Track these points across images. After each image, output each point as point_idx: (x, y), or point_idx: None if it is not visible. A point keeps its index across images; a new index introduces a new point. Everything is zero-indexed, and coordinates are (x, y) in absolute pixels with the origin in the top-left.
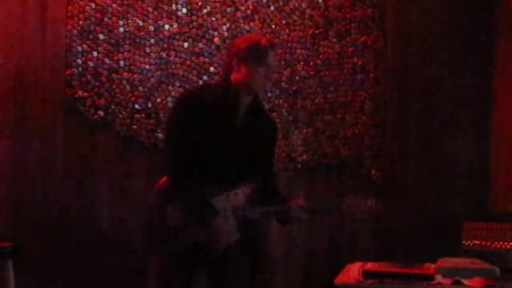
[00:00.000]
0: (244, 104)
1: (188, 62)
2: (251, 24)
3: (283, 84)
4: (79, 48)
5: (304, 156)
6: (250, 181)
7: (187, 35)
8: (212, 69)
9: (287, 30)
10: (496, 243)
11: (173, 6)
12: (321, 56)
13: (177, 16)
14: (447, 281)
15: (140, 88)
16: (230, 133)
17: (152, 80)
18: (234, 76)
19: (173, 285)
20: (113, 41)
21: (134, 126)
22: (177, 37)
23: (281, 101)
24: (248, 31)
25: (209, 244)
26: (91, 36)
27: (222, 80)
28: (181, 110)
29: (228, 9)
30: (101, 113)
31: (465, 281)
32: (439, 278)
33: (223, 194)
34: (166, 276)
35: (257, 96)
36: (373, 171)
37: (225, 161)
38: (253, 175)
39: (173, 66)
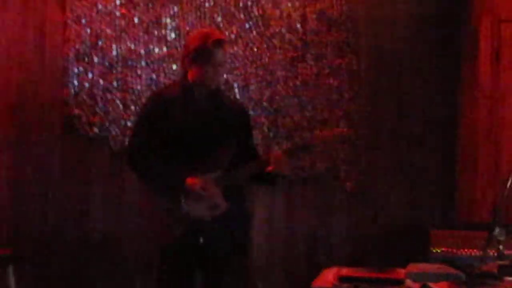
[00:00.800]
0: (203, 97)
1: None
2: (235, 47)
3: (264, 104)
4: (75, 70)
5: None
6: (219, 152)
7: (175, 57)
8: None
9: (268, 53)
10: (461, 250)
11: (162, 31)
12: (299, 77)
13: (166, 40)
14: (416, 285)
15: (132, 107)
16: (189, 123)
17: (143, 99)
18: (189, 74)
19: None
20: (106, 63)
21: (127, 143)
22: (166, 59)
23: (262, 118)
24: (232, 54)
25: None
26: (86, 59)
27: (180, 78)
28: (144, 108)
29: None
30: (96, 129)
31: (433, 285)
32: (409, 282)
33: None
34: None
35: (217, 88)
36: (347, 183)
37: (193, 143)
38: (226, 155)
39: (176, 84)
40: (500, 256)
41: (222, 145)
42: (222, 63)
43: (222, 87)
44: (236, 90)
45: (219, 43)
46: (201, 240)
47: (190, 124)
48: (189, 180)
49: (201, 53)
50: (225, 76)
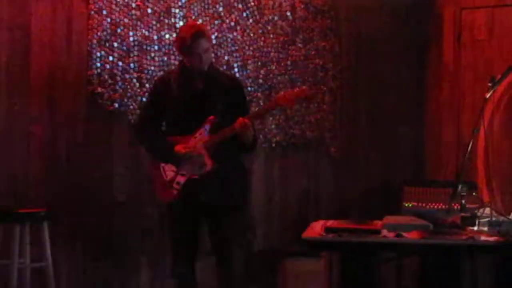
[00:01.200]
0: (198, 75)
1: None
2: (234, 33)
3: (260, 81)
4: (98, 54)
5: (277, 137)
6: (206, 120)
7: None
8: None
9: (262, 38)
10: (429, 204)
11: (172, 20)
12: (290, 58)
13: (175, 28)
14: (391, 234)
15: (147, 85)
16: (185, 98)
17: (157, 78)
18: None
19: (180, 236)
20: (125, 48)
21: (137, 112)
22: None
23: (259, 94)
24: (231, 39)
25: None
26: (107, 44)
27: (180, 61)
28: (149, 89)
29: (216, 21)
30: (116, 105)
31: (405, 234)
32: (385, 232)
33: (186, 138)
34: (173, 230)
35: (211, 67)
36: (332, 149)
37: (188, 116)
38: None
39: (173, 67)
40: (463, 209)
41: (213, 114)
42: (204, 50)
43: (221, 67)
44: (236, 69)
45: (196, 36)
46: (202, 197)
47: (185, 98)
48: (176, 147)
49: (184, 48)
50: (226, 57)
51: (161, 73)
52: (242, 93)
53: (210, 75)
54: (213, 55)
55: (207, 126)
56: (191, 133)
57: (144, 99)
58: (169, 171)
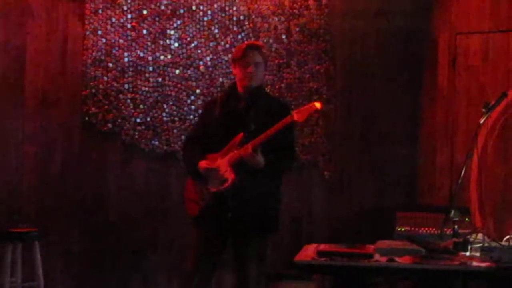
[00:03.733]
0: (244, 93)
1: (179, 86)
2: (229, 55)
3: None
4: (93, 74)
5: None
6: (235, 137)
7: (178, 64)
8: (198, 91)
9: None
10: (422, 229)
11: (167, 41)
12: (284, 81)
13: (170, 49)
14: (383, 258)
15: (141, 106)
16: (230, 115)
17: (151, 99)
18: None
19: (197, 254)
20: (119, 68)
21: (136, 136)
22: (170, 65)
23: None
24: (226, 61)
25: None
26: (102, 65)
27: (231, 84)
28: (202, 109)
29: (211, 44)
30: (110, 125)
31: (398, 259)
32: (377, 256)
33: (217, 155)
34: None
35: (258, 89)
36: (325, 172)
37: (226, 134)
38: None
39: (167, 89)
40: (455, 234)
41: (248, 133)
42: (255, 63)
43: (215, 88)
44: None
45: (251, 46)
46: (229, 214)
47: (226, 117)
48: (200, 163)
49: (236, 58)
50: (220, 79)
51: (155, 94)
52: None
53: (255, 95)
54: (264, 77)
55: (235, 143)
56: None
57: (138, 120)
58: (199, 186)
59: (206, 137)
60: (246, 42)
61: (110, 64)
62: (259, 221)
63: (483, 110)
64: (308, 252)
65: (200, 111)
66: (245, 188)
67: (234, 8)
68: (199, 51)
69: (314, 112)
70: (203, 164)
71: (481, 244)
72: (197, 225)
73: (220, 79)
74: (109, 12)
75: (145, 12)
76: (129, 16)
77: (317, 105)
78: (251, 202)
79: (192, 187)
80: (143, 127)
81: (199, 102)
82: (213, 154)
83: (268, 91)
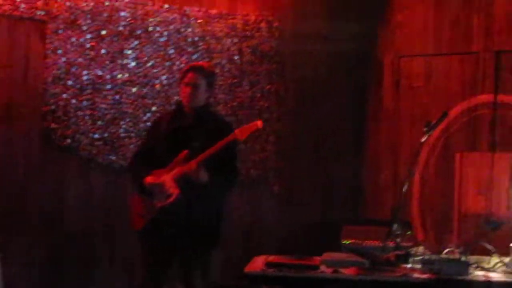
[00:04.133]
0: (189, 112)
1: (136, 103)
2: (196, 74)
3: None
4: (53, 91)
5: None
6: (180, 154)
7: (135, 82)
8: (154, 108)
9: None
10: (366, 241)
11: (125, 60)
12: (236, 100)
13: (128, 68)
14: (329, 270)
15: (99, 122)
16: (175, 132)
17: (108, 116)
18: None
19: (146, 269)
20: (78, 86)
21: (94, 151)
22: (128, 83)
23: None
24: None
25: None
26: (62, 82)
27: (177, 102)
28: (149, 127)
29: (167, 63)
30: (68, 140)
31: (343, 270)
32: (323, 268)
33: (162, 171)
34: (143, 261)
35: (203, 108)
36: (275, 187)
37: (172, 150)
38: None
39: (124, 106)
40: (397, 246)
41: (192, 150)
42: (194, 84)
43: (170, 106)
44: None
45: (193, 68)
46: (174, 229)
47: (171, 134)
48: (146, 178)
49: (180, 78)
50: (175, 98)
51: (113, 111)
52: (227, 135)
53: (200, 114)
54: (211, 98)
55: (179, 160)
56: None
57: (95, 136)
58: (145, 201)
59: (153, 153)
60: (191, 63)
61: (70, 82)
62: (201, 235)
63: (425, 129)
64: (258, 264)
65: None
66: (189, 203)
67: (189, 30)
68: (155, 70)
69: (255, 131)
70: (148, 179)
71: (422, 257)
72: (141, 239)
73: (175, 97)
74: (69, 32)
75: (103, 32)
76: (88, 36)
77: (259, 124)
78: (194, 217)
79: (138, 202)
80: (101, 142)
81: None
82: (160, 170)
83: (214, 110)
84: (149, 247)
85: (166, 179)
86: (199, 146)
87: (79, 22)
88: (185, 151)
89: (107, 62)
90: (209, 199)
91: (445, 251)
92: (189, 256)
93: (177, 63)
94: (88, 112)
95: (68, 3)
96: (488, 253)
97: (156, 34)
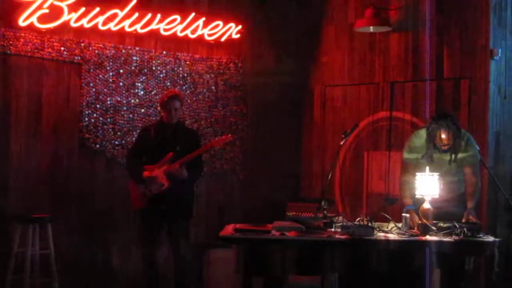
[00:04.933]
0: (169, 126)
1: (144, 120)
2: (175, 101)
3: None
4: (86, 112)
5: (205, 169)
6: (167, 155)
7: (143, 105)
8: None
9: (196, 103)
10: (303, 213)
11: (136, 90)
12: (213, 117)
13: (138, 95)
14: (278, 233)
15: (118, 133)
16: (160, 140)
17: (125, 129)
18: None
19: (145, 234)
20: (104, 108)
21: (115, 153)
22: (138, 106)
23: (201, 143)
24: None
25: (151, 190)
26: (92, 106)
27: (160, 117)
28: (138, 133)
29: (164, 92)
30: (98, 146)
31: (287, 233)
32: (273, 231)
33: (154, 166)
34: (142, 230)
35: (178, 122)
36: (240, 176)
37: (159, 153)
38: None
39: (136, 122)
40: (325, 217)
41: (172, 152)
42: (175, 108)
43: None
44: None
45: (171, 97)
46: (164, 207)
47: (158, 141)
48: (144, 172)
49: (163, 103)
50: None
51: (128, 125)
52: (198, 141)
53: (177, 127)
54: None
55: (167, 159)
56: (158, 163)
57: (116, 142)
58: (141, 188)
59: (142, 153)
60: (168, 92)
61: (98, 106)
62: (182, 210)
63: (343, 135)
64: (229, 230)
65: (137, 135)
66: (174, 190)
67: (180, 69)
68: (157, 97)
69: (228, 142)
70: (146, 173)
71: (341, 223)
72: (141, 215)
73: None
74: (97, 71)
75: (121, 71)
76: (111, 73)
77: (230, 137)
78: (177, 198)
79: (135, 188)
80: (120, 147)
81: None
82: (150, 166)
83: (184, 123)
84: (146, 220)
85: (159, 173)
86: (180, 149)
87: (104, 64)
88: (171, 153)
89: (124, 91)
90: (186, 187)
91: (357, 219)
92: (174, 224)
93: None
94: (111, 126)
95: (96, 51)
96: (387, 220)
97: (158, 72)
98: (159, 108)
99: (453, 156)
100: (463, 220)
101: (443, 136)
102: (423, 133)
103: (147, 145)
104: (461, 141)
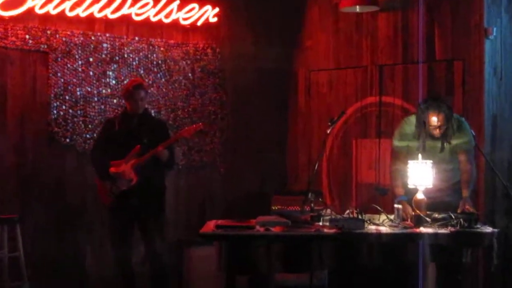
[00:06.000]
0: (134, 117)
1: (116, 111)
2: (151, 89)
3: (170, 122)
4: (55, 104)
5: (183, 162)
6: (134, 149)
7: (115, 95)
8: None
9: (172, 92)
10: (289, 207)
11: (107, 80)
12: (191, 106)
13: (110, 85)
14: (262, 228)
15: (90, 125)
16: (126, 132)
17: (96, 121)
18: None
19: (116, 232)
20: (74, 100)
21: (86, 147)
22: (110, 97)
23: (170, 132)
24: (150, 92)
25: (119, 187)
26: (61, 97)
27: (124, 107)
28: (102, 126)
29: None
30: (68, 140)
31: (272, 228)
32: (258, 227)
33: (121, 161)
34: (113, 229)
35: (144, 112)
36: (221, 169)
37: (125, 146)
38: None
39: (108, 113)
40: (312, 210)
41: (141, 144)
42: (140, 98)
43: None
44: (153, 114)
45: (136, 86)
46: (134, 202)
47: (123, 134)
48: (110, 169)
49: (126, 94)
50: (145, 106)
51: (100, 117)
52: (166, 131)
53: (143, 118)
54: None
55: (134, 153)
56: (125, 157)
57: (87, 136)
58: (108, 184)
59: (107, 147)
60: (131, 82)
61: (67, 97)
62: (154, 205)
63: (329, 123)
64: (210, 226)
65: (100, 129)
66: (144, 184)
67: (154, 55)
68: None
69: (199, 131)
70: (113, 169)
71: (330, 216)
72: (112, 212)
73: (146, 106)
74: (65, 60)
75: (91, 59)
76: (80, 62)
77: (201, 125)
78: (148, 193)
79: (102, 184)
80: (92, 141)
81: None
82: (116, 161)
83: (149, 112)
84: (117, 217)
85: (126, 168)
86: (148, 142)
87: (72, 52)
88: (138, 146)
89: (94, 81)
90: (156, 181)
91: (347, 211)
92: (147, 221)
93: (146, 80)
94: (81, 118)
95: (64, 39)
96: (378, 212)
97: (130, 59)
98: (122, 98)
99: (445, 143)
100: (459, 210)
101: (434, 118)
102: (413, 119)
103: (112, 139)
104: (454, 125)
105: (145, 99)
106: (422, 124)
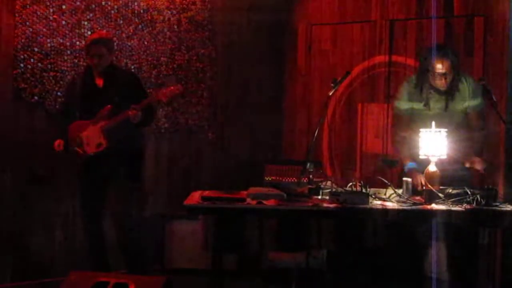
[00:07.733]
0: (98, 74)
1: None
2: (132, 41)
3: (152, 80)
4: (22, 57)
5: (166, 125)
6: (104, 109)
7: None
8: None
9: (154, 45)
10: (285, 178)
11: (82, 30)
12: (176, 62)
13: (84, 36)
14: (254, 202)
15: (61, 82)
16: (91, 91)
17: (69, 76)
18: None
19: (86, 203)
20: (43, 52)
21: (57, 106)
22: (84, 50)
23: (151, 90)
24: (129, 46)
25: (85, 151)
26: (29, 49)
27: (86, 65)
28: (65, 87)
29: (117, 32)
30: (36, 98)
31: (265, 202)
32: (249, 200)
33: (87, 122)
34: (83, 199)
35: (109, 67)
36: (209, 134)
37: (92, 106)
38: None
39: (82, 68)
40: (310, 181)
41: (111, 103)
42: (98, 55)
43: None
44: (133, 70)
45: (94, 41)
46: (105, 170)
47: (89, 93)
48: (70, 131)
49: (86, 49)
50: (125, 61)
51: (73, 72)
52: (139, 85)
53: (109, 74)
54: (114, 58)
55: (104, 113)
56: (91, 117)
57: (58, 93)
58: (73, 147)
59: (73, 109)
60: (91, 35)
61: (36, 49)
62: (128, 173)
63: (332, 84)
64: (195, 198)
65: (64, 88)
66: (116, 149)
67: (135, 4)
68: None
69: (177, 94)
70: (72, 133)
71: (330, 190)
72: (81, 181)
73: (125, 61)
74: (35, 7)
75: (64, 7)
76: (51, 10)
77: (180, 87)
78: (121, 159)
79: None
80: (63, 99)
81: None
82: (81, 121)
83: (117, 65)
84: (87, 187)
85: (94, 131)
86: (118, 100)
87: None
88: (109, 106)
89: (67, 31)
90: (131, 143)
91: (349, 184)
92: (120, 190)
93: (126, 31)
94: (51, 74)
95: None
96: (385, 186)
97: (108, 8)
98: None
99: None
100: (466, 165)
101: (438, 65)
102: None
103: (77, 99)
104: (463, 84)
105: (107, 56)
106: (425, 72)
